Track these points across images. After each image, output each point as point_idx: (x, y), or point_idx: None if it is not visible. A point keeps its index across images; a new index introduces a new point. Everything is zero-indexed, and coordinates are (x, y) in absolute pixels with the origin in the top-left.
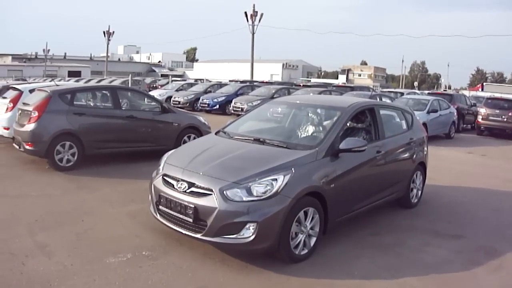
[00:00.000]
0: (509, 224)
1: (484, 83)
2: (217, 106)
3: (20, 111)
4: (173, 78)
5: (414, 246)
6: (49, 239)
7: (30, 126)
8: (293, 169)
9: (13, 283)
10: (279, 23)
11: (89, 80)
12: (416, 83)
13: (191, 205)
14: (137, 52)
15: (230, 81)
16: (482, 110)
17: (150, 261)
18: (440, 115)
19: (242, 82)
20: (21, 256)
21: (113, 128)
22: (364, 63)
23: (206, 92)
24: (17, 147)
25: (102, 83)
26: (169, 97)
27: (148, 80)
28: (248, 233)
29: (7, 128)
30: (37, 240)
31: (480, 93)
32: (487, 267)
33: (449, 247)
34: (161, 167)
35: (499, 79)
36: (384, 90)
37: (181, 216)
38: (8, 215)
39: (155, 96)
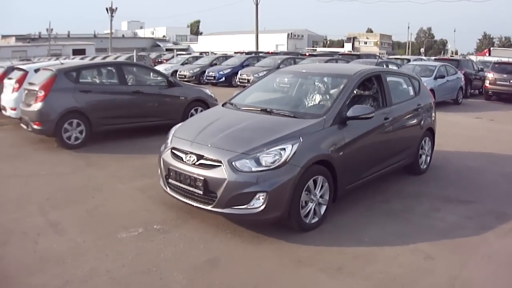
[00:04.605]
0: None
1: (491, 48)
2: (223, 79)
3: (26, 91)
4: (178, 52)
5: (424, 212)
6: (60, 216)
7: (37, 106)
8: (301, 138)
9: (27, 261)
10: None
11: (94, 58)
12: (422, 50)
13: (201, 177)
14: (141, 28)
15: (235, 53)
16: (490, 75)
17: (161, 235)
18: (448, 81)
19: (247, 53)
20: (33, 234)
21: (119, 104)
22: (369, 31)
23: (211, 65)
24: (25, 127)
25: (107, 59)
26: (175, 71)
27: (153, 55)
28: (258, 203)
29: (14, 109)
30: (48, 218)
31: (487, 58)
32: (497, 231)
33: (460, 213)
34: (169, 141)
35: (507, 43)
36: (391, 57)
37: (191, 188)
38: (19, 195)
39: (161, 71)
